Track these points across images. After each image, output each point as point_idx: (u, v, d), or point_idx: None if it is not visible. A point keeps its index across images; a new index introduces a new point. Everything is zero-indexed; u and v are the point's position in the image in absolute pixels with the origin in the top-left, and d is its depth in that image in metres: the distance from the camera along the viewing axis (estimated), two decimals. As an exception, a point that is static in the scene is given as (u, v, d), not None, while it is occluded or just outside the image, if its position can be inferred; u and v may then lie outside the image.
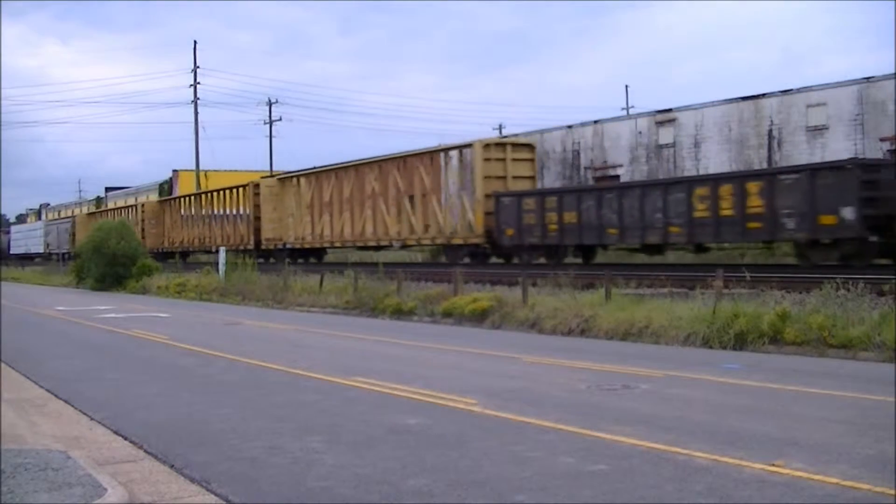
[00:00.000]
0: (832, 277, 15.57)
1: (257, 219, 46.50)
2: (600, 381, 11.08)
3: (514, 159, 35.11)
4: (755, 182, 24.59)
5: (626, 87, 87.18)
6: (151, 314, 25.30)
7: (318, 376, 11.98)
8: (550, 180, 44.74)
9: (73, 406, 10.27)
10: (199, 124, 64.73)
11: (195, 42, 65.99)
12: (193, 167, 65.21)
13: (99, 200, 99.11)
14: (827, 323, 13.61)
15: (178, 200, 59.62)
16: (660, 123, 40.70)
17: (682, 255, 30.94)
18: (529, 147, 36.93)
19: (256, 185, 47.27)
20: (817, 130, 34.14)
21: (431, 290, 23.15)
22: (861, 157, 26.97)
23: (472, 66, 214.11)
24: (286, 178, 47.34)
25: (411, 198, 36.70)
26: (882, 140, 29.78)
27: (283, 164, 70.36)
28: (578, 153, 44.70)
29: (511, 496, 6.16)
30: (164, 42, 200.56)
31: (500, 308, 19.58)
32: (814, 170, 23.68)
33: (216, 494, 6.45)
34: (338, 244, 42.02)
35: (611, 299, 17.96)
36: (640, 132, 41.67)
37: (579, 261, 30.33)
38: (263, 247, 46.26)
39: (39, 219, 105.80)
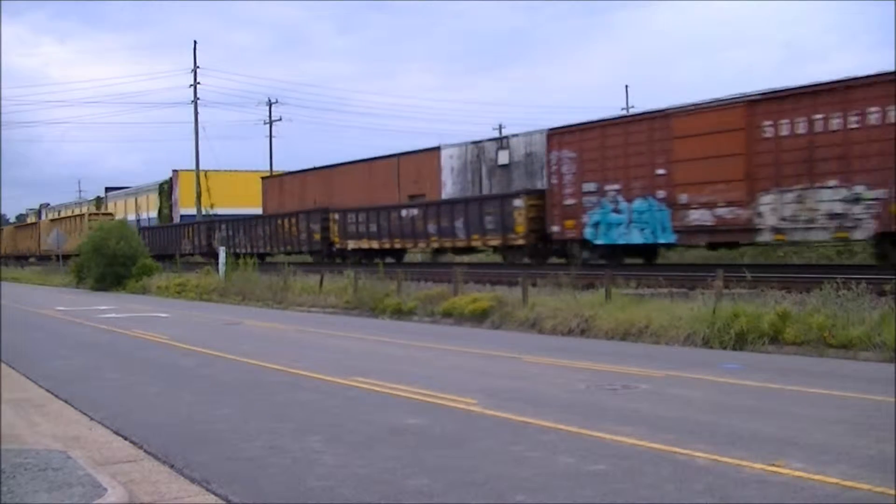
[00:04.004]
0: (832, 277, 15.58)
1: None
2: (600, 381, 11.08)
3: (108, 220, 63.83)
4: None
5: (626, 86, 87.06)
6: (151, 314, 25.30)
7: (318, 376, 11.98)
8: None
9: (73, 406, 10.26)
10: (199, 124, 64.70)
11: (195, 42, 65.90)
12: (193, 167, 65.11)
13: (99, 200, 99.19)
14: (827, 323, 13.60)
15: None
16: (660, 123, 40.70)
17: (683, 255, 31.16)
18: (111, 215, 70.66)
19: None
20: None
21: (431, 291, 23.15)
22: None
23: (471, 66, 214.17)
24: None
25: None
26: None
27: (284, 164, 70.39)
28: (578, 153, 44.73)
29: (511, 496, 6.16)
30: (162, 42, 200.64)
31: (500, 308, 19.58)
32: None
33: (216, 494, 6.44)
34: None
35: (611, 299, 17.97)
36: (640, 132, 41.62)
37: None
38: None
39: (39, 218, 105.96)
